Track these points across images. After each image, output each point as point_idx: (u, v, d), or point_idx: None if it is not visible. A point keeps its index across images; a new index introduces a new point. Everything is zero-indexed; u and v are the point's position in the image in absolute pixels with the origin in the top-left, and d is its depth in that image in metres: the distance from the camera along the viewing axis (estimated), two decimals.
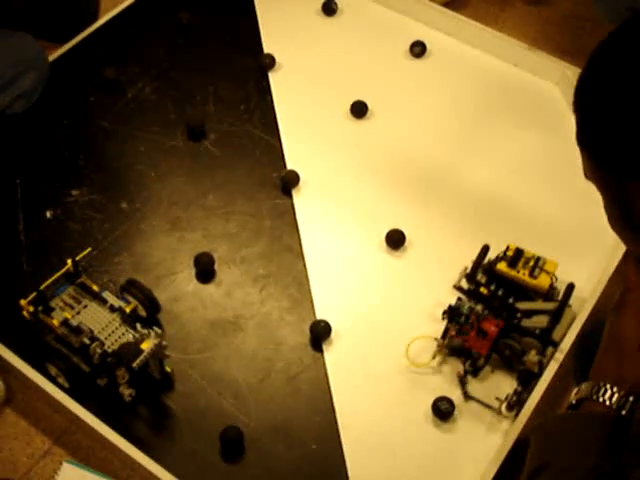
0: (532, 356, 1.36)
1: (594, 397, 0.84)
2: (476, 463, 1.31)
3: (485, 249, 1.52)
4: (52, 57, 1.88)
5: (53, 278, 1.40)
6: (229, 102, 1.86)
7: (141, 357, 1.29)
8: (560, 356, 1.39)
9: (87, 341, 1.32)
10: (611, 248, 1.55)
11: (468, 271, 1.50)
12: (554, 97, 1.89)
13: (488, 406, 1.37)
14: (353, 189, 1.70)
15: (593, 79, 0.75)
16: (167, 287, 1.53)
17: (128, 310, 1.38)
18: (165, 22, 2.01)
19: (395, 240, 1.59)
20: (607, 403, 0.83)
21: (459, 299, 1.46)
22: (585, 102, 0.76)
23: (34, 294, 1.37)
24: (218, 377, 1.42)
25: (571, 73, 1.84)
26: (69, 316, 1.35)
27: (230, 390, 1.40)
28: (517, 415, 1.34)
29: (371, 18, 2.04)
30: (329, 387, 1.41)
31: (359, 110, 1.82)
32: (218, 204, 1.67)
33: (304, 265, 1.57)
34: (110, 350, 1.31)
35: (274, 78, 1.91)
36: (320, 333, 1.46)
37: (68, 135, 1.77)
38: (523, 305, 1.44)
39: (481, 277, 1.49)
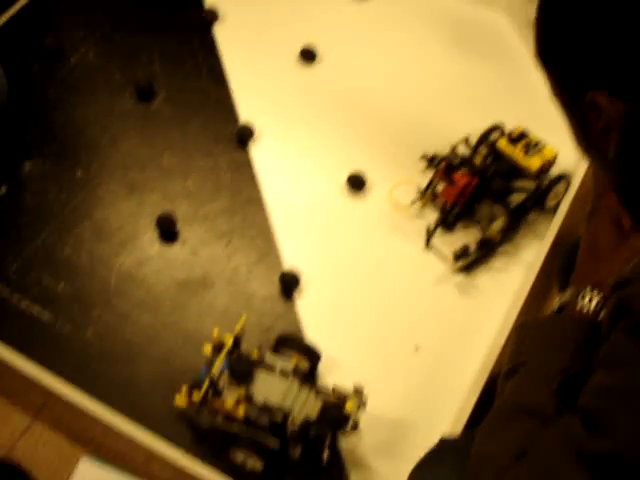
0: (498, 223, 1.37)
1: (574, 302, 0.86)
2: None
3: (496, 127, 1.53)
4: None
5: (219, 361, 1.21)
6: (176, 60, 1.82)
7: (351, 422, 1.17)
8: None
9: (279, 417, 1.16)
10: None
11: (469, 139, 1.52)
12: (501, 26, 1.88)
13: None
14: (309, 136, 1.69)
15: None
16: (131, 252, 1.51)
17: (292, 367, 1.24)
18: None
19: (356, 183, 1.58)
20: (586, 307, 0.85)
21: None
22: (546, 13, 0.73)
23: (206, 384, 1.18)
24: (192, 336, 1.40)
25: (517, 1, 1.83)
26: (242, 393, 1.18)
27: None
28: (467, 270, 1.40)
29: None
30: (303, 335, 1.41)
31: (308, 56, 1.80)
32: (174, 163, 1.65)
33: (267, 216, 1.56)
34: (302, 419, 1.17)
35: (218, 31, 1.88)
36: (289, 282, 1.46)
37: (14, 108, 1.73)
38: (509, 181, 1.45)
39: (482, 148, 1.51)
